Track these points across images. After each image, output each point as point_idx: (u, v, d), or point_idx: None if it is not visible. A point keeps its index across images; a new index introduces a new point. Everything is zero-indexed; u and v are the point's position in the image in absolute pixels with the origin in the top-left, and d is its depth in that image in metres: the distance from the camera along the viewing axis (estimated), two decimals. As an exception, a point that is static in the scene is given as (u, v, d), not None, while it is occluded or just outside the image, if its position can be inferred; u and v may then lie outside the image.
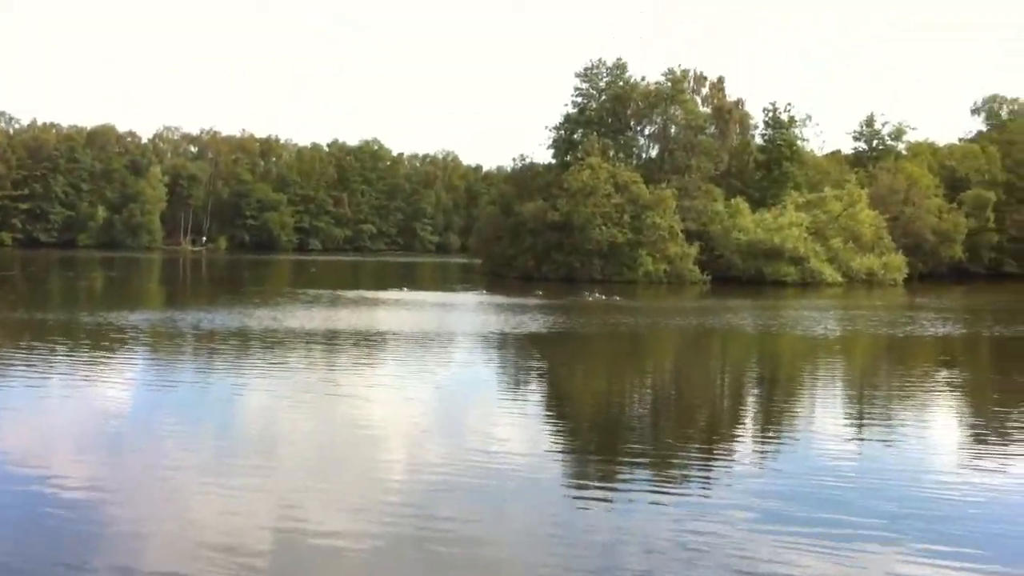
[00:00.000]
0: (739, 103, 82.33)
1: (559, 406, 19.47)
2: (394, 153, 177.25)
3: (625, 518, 10.94)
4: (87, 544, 9.76)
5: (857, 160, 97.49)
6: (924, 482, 12.72)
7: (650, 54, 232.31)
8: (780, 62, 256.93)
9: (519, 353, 27.47)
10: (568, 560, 9.48)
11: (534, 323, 34.80)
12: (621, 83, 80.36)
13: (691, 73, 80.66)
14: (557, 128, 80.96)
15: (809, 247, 71.31)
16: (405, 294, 51.20)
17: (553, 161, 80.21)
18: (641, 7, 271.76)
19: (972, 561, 9.53)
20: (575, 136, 79.46)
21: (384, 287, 57.54)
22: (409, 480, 12.45)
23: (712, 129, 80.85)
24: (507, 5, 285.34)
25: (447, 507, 11.06)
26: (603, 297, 50.55)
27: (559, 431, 16.51)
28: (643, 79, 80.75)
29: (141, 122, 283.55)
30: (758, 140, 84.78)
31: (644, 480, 12.73)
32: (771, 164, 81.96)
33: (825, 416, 18.06)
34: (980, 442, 15.86)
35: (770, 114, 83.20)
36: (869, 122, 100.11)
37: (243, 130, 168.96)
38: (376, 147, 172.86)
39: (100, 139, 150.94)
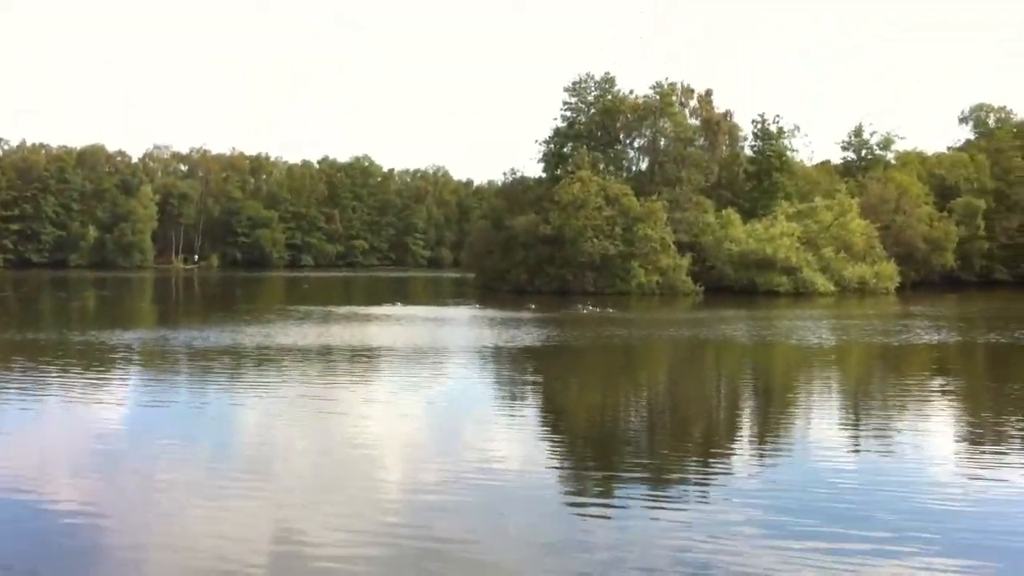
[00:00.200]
0: (727, 115, 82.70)
1: (554, 420, 19.40)
2: (384, 169, 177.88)
3: (623, 532, 10.88)
4: (82, 564, 9.69)
5: (846, 170, 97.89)
6: (923, 492, 12.69)
7: (650, 54, 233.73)
8: (780, 62, 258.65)
9: (513, 367, 27.41)
10: (566, 575, 9.42)
11: (528, 336, 34.75)
12: (610, 97, 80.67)
13: (679, 86, 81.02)
14: (547, 142, 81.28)
15: (801, 257, 71.44)
16: (398, 309, 51.14)
17: (544, 175, 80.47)
18: (641, 7, 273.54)
19: (972, 571, 9.50)
20: (565, 150, 79.73)
21: (377, 302, 57.51)
22: (404, 496, 12.38)
23: (701, 141, 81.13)
24: (507, 5, 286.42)
25: (443, 524, 10.99)
26: (596, 309, 50.55)
27: (555, 445, 16.44)
28: (631, 92, 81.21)
29: (131, 142, 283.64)
30: (747, 151, 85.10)
31: (641, 494, 12.67)
32: (761, 175, 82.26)
33: (822, 427, 18.02)
34: (978, 450, 15.85)
35: (759, 125, 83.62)
36: (858, 132, 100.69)
37: (233, 148, 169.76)
38: (367, 163, 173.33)
39: (90, 159, 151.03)
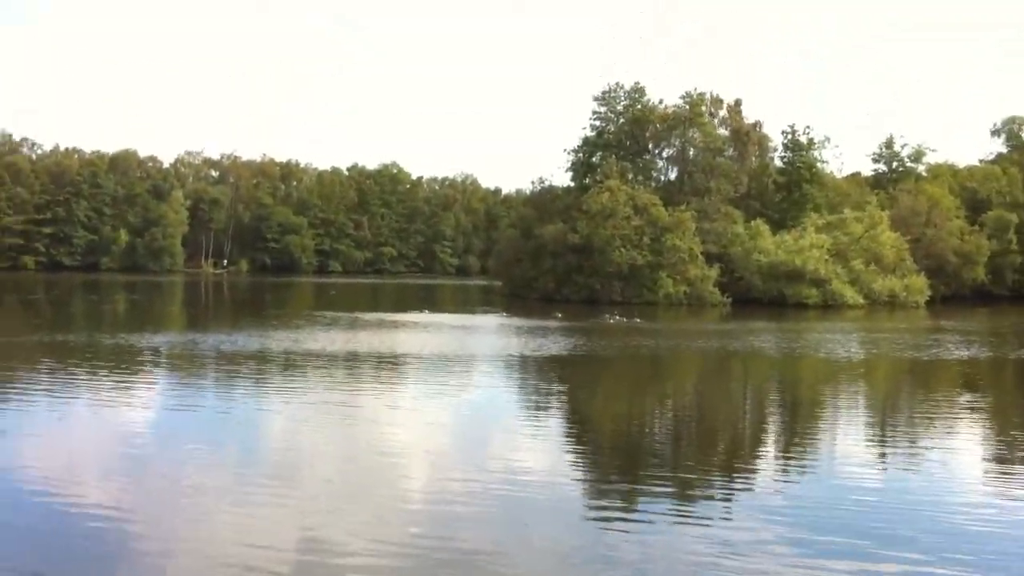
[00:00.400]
0: (757, 125, 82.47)
1: (580, 431, 19.36)
2: (413, 176, 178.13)
3: (646, 547, 10.82)
4: (109, 566, 9.78)
5: (877, 182, 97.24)
6: (949, 508, 12.56)
7: (650, 54, 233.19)
8: (780, 62, 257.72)
9: (539, 376, 27.39)
10: (590, 587, 9.42)
11: (555, 345, 34.73)
12: (639, 106, 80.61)
13: (708, 96, 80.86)
14: (576, 151, 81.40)
15: (830, 269, 71.01)
16: (425, 316, 51.22)
17: (572, 184, 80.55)
18: (641, 7, 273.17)
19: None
20: (594, 159, 79.86)
21: (404, 309, 57.64)
22: (429, 504, 12.40)
23: (731, 151, 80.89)
24: (507, 5, 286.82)
25: (467, 534, 11.00)
26: (624, 319, 50.43)
27: (580, 456, 16.41)
28: (661, 102, 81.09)
29: (163, 147, 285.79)
30: (777, 162, 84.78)
31: (666, 508, 12.61)
32: (791, 186, 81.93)
33: (849, 442, 17.87)
34: (1006, 468, 15.67)
35: (789, 136, 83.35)
36: (889, 144, 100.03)
37: (264, 154, 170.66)
38: (395, 170, 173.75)
39: (122, 164, 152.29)
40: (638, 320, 50.27)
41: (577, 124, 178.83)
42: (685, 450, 17.26)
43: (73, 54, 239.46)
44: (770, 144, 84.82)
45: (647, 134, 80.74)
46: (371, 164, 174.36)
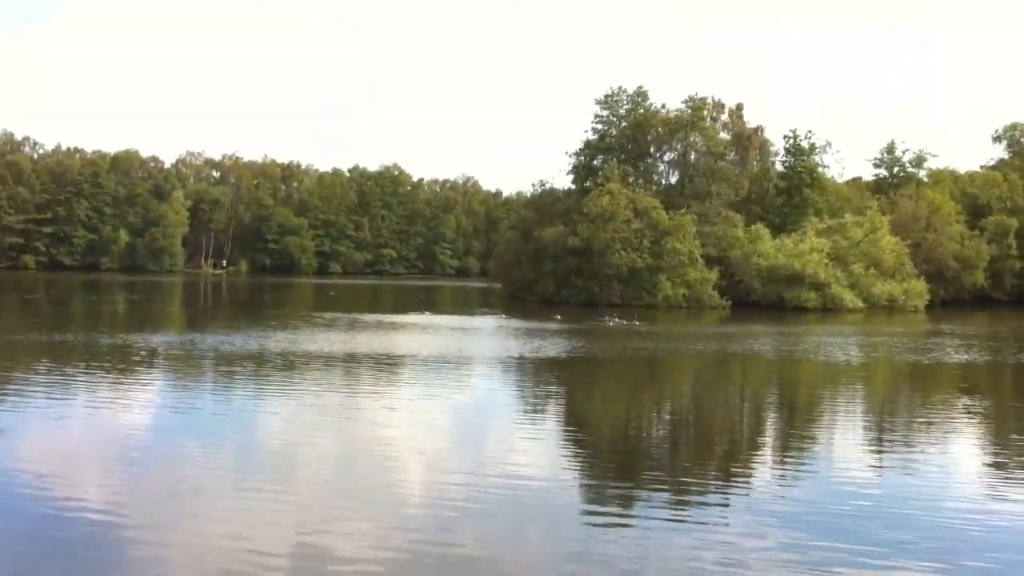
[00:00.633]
0: (758, 130, 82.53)
1: (578, 432, 19.36)
2: (414, 178, 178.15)
3: (643, 548, 10.81)
4: (107, 566, 9.77)
5: (878, 187, 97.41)
6: (946, 512, 12.56)
7: (651, 53, 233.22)
8: (782, 66, 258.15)
9: (538, 378, 27.39)
10: (586, 588, 9.41)
11: (553, 348, 34.72)
12: (641, 110, 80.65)
13: (710, 100, 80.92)
14: (577, 154, 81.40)
15: (830, 273, 71.05)
16: (424, 318, 51.22)
17: (573, 187, 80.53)
18: (641, 7, 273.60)
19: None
20: (595, 162, 79.87)
21: (404, 311, 57.64)
22: (427, 505, 12.40)
23: (732, 155, 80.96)
24: (507, 5, 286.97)
25: (465, 532, 11.01)
26: (623, 322, 50.42)
27: (577, 458, 16.40)
28: (663, 106, 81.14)
29: (164, 147, 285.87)
30: (778, 166, 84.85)
31: (662, 506, 12.62)
32: (791, 190, 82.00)
33: (846, 445, 17.87)
34: (1003, 472, 15.65)
35: (790, 141, 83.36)
36: (890, 149, 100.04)
37: (265, 155, 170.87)
38: (396, 172, 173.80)
39: (123, 164, 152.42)
40: (637, 323, 50.25)
41: (579, 127, 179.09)
42: (683, 453, 17.25)
43: (75, 54, 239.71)
44: (771, 148, 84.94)
45: (649, 138, 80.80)
46: (372, 166, 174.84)
